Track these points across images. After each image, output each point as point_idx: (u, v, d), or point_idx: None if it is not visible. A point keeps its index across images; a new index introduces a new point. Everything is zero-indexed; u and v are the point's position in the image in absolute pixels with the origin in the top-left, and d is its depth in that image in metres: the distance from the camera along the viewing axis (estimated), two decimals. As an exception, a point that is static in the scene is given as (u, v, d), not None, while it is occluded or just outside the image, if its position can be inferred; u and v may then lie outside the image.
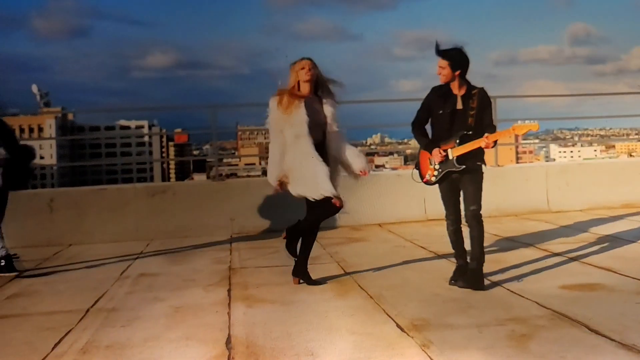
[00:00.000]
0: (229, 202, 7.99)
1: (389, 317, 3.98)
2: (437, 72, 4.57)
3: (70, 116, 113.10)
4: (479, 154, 4.60)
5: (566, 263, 5.33)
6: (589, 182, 8.77)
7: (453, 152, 4.56)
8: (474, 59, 4.61)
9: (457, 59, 4.53)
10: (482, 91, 4.60)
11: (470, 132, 4.52)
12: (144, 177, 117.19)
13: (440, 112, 4.61)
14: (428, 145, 4.70)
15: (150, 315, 4.24)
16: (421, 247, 6.40)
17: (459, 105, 4.56)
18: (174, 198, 7.93)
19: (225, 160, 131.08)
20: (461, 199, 4.74)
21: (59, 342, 3.72)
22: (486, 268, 4.69)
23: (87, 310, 4.42)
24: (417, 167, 4.90)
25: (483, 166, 4.67)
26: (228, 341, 3.61)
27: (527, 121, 4.43)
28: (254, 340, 3.60)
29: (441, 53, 4.54)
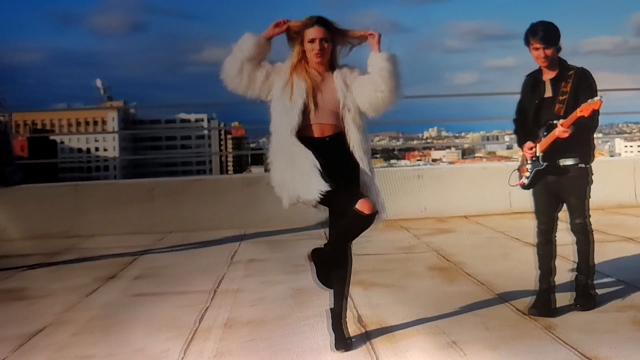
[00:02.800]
0: (317, 192, 8.24)
1: (505, 301, 4.17)
2: (538, 57, 3.83)
3: (131, 109, 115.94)
4: (580, 151, 3.86)
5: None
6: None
7: (540, 147, 3.90)
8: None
9: (558, 37, 3.84)
10: (580, 71, 3.85)
11: (557, 122, 3.78)
12: (202, 169, 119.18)
13: (530, 101, 3.97)
14: (520, 140, 4.03)
15: (274, 296, 4.54)
16: (515, 238, 6.53)
17: (547, 93, 3.90)
18: (268, 188, 8.20)
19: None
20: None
21: (202, 318, 4.06)
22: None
23: (215, 291, 4.76)
24: (519, 168, 4.14)
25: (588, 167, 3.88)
26: (359, 319, 3.87)
27: (589, 100, 3.67)
28: (383, 320, 3.85)
29: (542, 37, 3.78)
